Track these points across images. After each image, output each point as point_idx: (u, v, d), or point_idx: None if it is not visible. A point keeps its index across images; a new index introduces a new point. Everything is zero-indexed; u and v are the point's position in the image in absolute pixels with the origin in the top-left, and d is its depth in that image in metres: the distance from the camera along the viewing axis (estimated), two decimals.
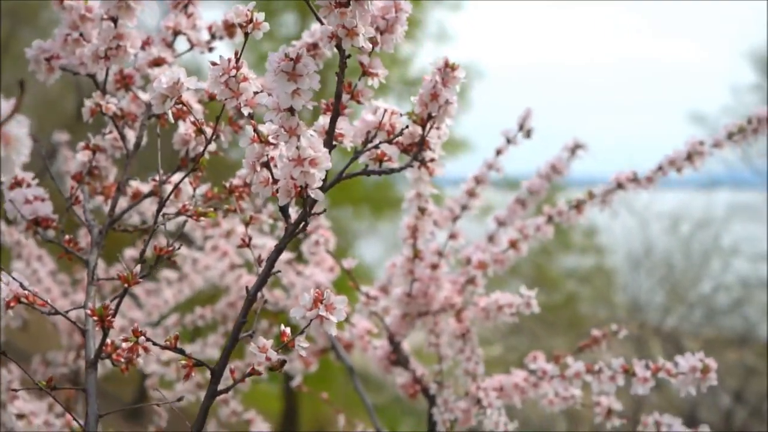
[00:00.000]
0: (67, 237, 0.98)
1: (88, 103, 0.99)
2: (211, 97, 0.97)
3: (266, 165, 0.84)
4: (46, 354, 1.84)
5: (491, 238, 1.41)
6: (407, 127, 0.90)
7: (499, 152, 1.30)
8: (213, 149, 1.00)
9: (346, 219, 8.57)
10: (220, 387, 0.85)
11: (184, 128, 1.01)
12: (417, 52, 8.38)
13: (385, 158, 0.93)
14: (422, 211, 1.22)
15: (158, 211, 0.90)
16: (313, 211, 0.86)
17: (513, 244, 1.32)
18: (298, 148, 0.78)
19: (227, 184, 1.01)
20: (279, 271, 0.88)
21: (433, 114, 0.92)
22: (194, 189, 0.99)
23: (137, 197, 1.17)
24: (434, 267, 1.30)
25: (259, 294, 0.87)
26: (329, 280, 1.51)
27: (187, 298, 1.91)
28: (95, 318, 0.83)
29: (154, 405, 0.96)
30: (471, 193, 1.30)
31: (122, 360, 0.91)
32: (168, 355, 1.72)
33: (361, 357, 1.55)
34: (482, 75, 10.03)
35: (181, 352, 0.83)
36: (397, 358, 1.39)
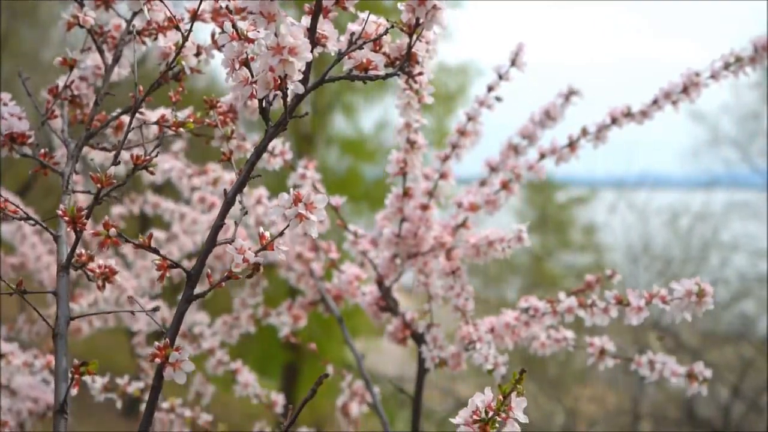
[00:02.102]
0: (42, 151, 0.95)
1: (65, 16, 0.97)
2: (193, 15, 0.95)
3: (246, 63, 0.81)
4: (32, 314, 1.81)
5: (483, 183, 1.38)
6: (392, 26, 0.87)
7: (490, 88, 1.27)
8: (194, 64, 0.97)
9: (345, 216, 8.56)
10: (197, 292, 0.82)
11: (165, 42, 0.98)
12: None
13: (371, 66, 0.90)
14: (412, 144, 1.19)
15: (133, 113, 0.87)
16: (294, 113, 0.84)
17: (505, 185, 1.29)
18: (276, 35, 0.75)
19: (208, 99, 0.98)
20: (259, 175, 0.85)
21: (421, 20, 0.89)
22: (174, 103, 0.96)
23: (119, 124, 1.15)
24: (424, 208, 1.27)
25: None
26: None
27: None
28: (66, 219, 0.80)
29: (130, 312, 0.93)
30: (462, 132, 1.27)
31: (97, 272, 0.88)
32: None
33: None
34: (482, 73, 10.04)
35: (155, 251, 0.80)
36: (386, 303, 1.35)
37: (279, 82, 0.77)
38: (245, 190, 1.46)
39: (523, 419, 0.80)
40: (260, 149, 0.83)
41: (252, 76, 0.80)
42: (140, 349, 1.70)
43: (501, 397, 0.79)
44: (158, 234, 1.88)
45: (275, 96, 0.83)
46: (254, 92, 0.80)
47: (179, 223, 1.81)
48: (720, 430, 5.23)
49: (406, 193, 1.24)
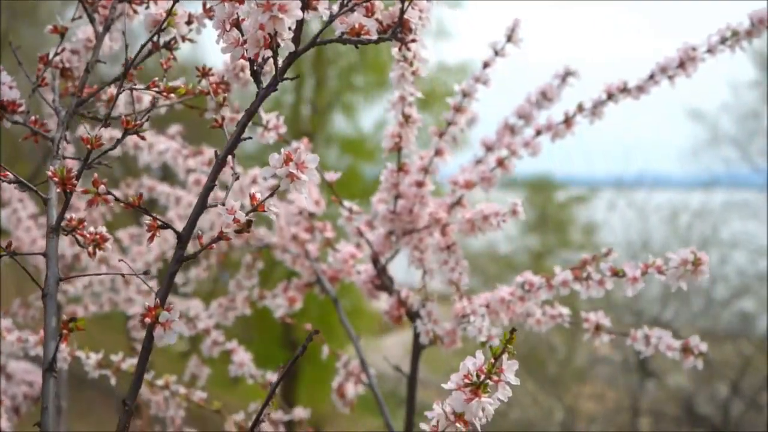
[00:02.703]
0: (33, 118, 0.94)
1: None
2: None
3: (236, 25, 0.81)
4: (28, 298, 1.80)
5: (479, 161, 1.38)
6: None
7: (486, 65, 1.26)
8: (186, 33, 0.97)
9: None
10: (187, 253, 0.82)
11: (156, 9, 0.97)
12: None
13: (363, 31, 0.90)
14: (406, 118, 1.19)
15: (122, 78, 0.86)
16: (284, 75, 0.83)
17: (500, 162, 1.29)
18: None
19: (200, 68, 0.97)
20: (250, 137, 0.85)
21: None
22: (165, 71, 0.96)
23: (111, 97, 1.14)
24: (420, 185, 1.27)
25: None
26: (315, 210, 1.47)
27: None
28: (56, 180, 0.80)
29: (122, 275, 0.92)
30: (457, 109, 1.27)
31: (86, 237, 0.88)
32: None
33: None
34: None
35: (145, 211, 0.80)
36: (381, 281, 1.35)
37: (269, 40, 0.77)
38: (240, 170, 1.46)
39: (515, 382, 0.79)
40: (251, 110, 0.83)
41: (243, 37, 0.80)
42: (135, 332, 1.69)
43: (492, 359, 0.79)
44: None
45: (266, 59, 0.82)
46: (245, 54, 0.80)
47: (175, 209, 1.81)
48: (719, 428, 5.22)
49: (401, 169, 1.24)
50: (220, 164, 0.82)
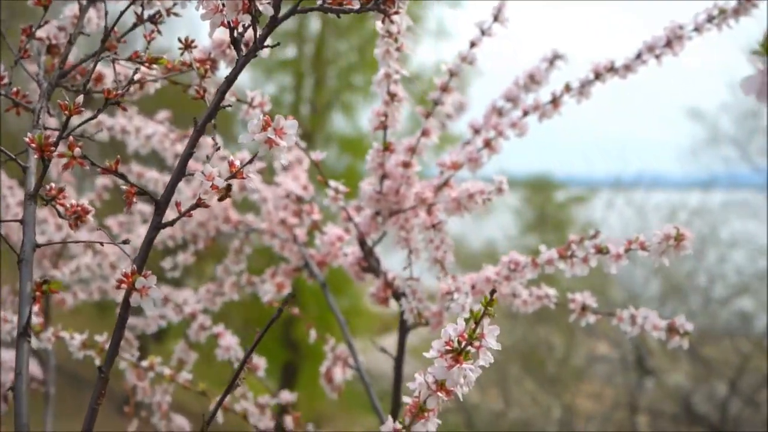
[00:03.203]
0: (15, 89, 0.94)
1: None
2: None
3: None
4: (15, 285, 1.79)
5: (467, 143, 1.37)
6: None
7: (473, 44, 1.26)
8: (170, 7, 0.97)
9: None
10: (165, 220, 0.81)
11: None
12: (416, 48, 8.38)
13: (345, 0, 0.90)
14: (392, 96, 1.18)
15: (102, 42, 0.86)
16: (266, 42, 0.83)
17: (487, 143, 1.28)
18: None
19: (183, 40, 0.97)
20: (230, 105, 0.84)
21: None
22: (148, 42, 0.95)
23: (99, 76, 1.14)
24: (406, 165, 1.26)
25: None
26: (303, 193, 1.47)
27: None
28: (34, 146, 0.79)
29: (100, 243, 0.92)
30: (444, 88, 1.27)
31: (67, 208, 0.87)
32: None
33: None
34: (480, 73, 10.05)
35: (122, 177, 0.79)
36: (368, 263, 1.35)
37: (248, 4, 0.77)
38: (228, 154, 1.45)
39: (496, 347, 0.79)
40: (231, 77, 0.82)
41: (221, 0, 0.79)
42: None
43: (473, 325, 0.78)
44: (143, 207, 1.87)
45: (246, 28, 0.82)
46: (224, 21, 0.80)
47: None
48: (717, 426, 5.21)
49: (387, 148, 1.23)
50: (198, 132, 0.82)
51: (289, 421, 1.38)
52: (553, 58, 1.40)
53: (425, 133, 1.26)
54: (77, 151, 0.75)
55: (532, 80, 1.41)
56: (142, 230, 1.83)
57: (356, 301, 10.23)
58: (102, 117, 1.51)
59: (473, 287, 1.21)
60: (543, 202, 9.45)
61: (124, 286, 0.77)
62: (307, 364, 7.61)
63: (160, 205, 0.81)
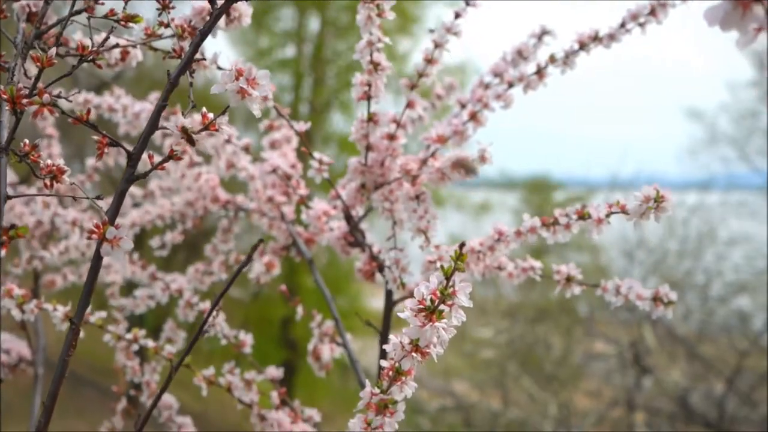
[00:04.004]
0: None
1: None
2: None
3: None
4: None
5: (453, 118, 1.37)
6: None
7: (457, 15, 1.26)
8: None
9: None
10: (139, 172, 0.81)
11: None
12: (415, 48, 8.39)
13: None
14: (375, 65, 1.18)
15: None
16: None
17: (473, 116, 1.28)
18: None
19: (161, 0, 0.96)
20: (204, 58, 0.84)
21: None
22: (125, 2, 0.95)
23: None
24: (391, 138, 1.26)
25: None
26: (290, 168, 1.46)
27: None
28: (6, 97, 0.79)
29: (73, 198, 0.91)
30: (429, 60, 1.26)
31: (42, 166, 0.86)
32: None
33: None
34: (479, 73, 10.05)
35: (94, 127, 0.79)
36: (354, 237, 1.34)
37: None
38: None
39: (468, 304, 0.78)
40: (205, 30, 0.82)
41: None
42: (113, 300, 1.68)
43: (444, 281, 0.78)
44: (135, 190, 1.86)
45: None
46: None
47: (156, 179, 1.80)
48: (714, 424, 5.20)
49: (371, 119, 1.23)
50: (172, 84, 0.82)
51: (275, 396, 1.37)
52: (542, 34, 1.39)
53: (410, 105, 1.26)
54: (46, 97, 0.74)
55: (520, 56, 1.40)
56: (135, 213, 1.82)
57: (355, 301, 10.23)
58: (89, 96, 1.51)
59: None
60: (542, 202, 9.45)
61: (95, 236, 0.76)
62: (306, 364, 7.60)
63: (133, 157, 0.80)
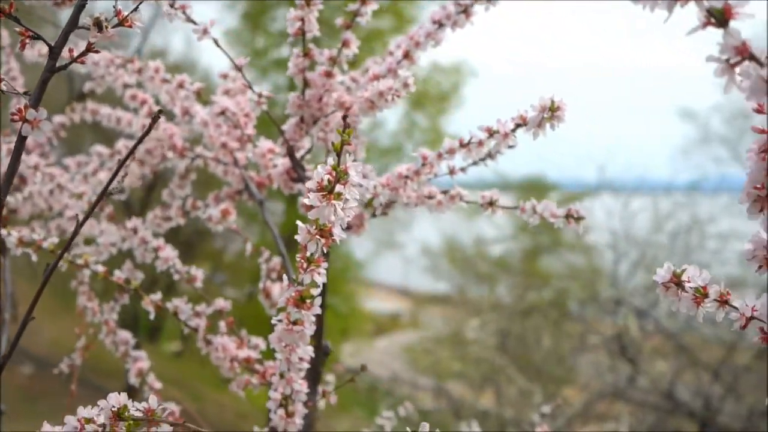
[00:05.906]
0: None
1: None
2: None
3: None
4: None
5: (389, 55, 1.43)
6: None
7: None
8: None
9: None
10: (60, 64, 0.88)
11: None
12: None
13: None
14: (307, 1, 1.25)
15: None
16: None
17: (406, 54, 1.35)
18: None
19: None
20: None
21: None
22: None
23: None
24: (328, 75, 1.33)
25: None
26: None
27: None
28: None
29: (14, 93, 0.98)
30: (363, 1, 1.34)
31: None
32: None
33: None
34: (475, 73, 10.15)
35: (16, 19, 0.86)
36: (297, 173, 1.41)
37: None
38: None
39: (363, 182, 0.85)
40: None
41: None
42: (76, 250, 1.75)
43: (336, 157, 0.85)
44: (102, 150, 1.93)
45: None
46: None
47: (124, 141, 1.86)
48: (700, 414, 5.24)
49: (306, 54, 1.30)
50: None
51: (222, 326, 1.43)
52: None
53: (345, 43, 1.33)
54: None
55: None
56: (102, 175, 1.89)
57: (351, 302, 10.28)
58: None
59: (387, 184, 1.28)
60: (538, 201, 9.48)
61: (17, 118, 0.83)
62: None
63: (54, 50, 0.87)
